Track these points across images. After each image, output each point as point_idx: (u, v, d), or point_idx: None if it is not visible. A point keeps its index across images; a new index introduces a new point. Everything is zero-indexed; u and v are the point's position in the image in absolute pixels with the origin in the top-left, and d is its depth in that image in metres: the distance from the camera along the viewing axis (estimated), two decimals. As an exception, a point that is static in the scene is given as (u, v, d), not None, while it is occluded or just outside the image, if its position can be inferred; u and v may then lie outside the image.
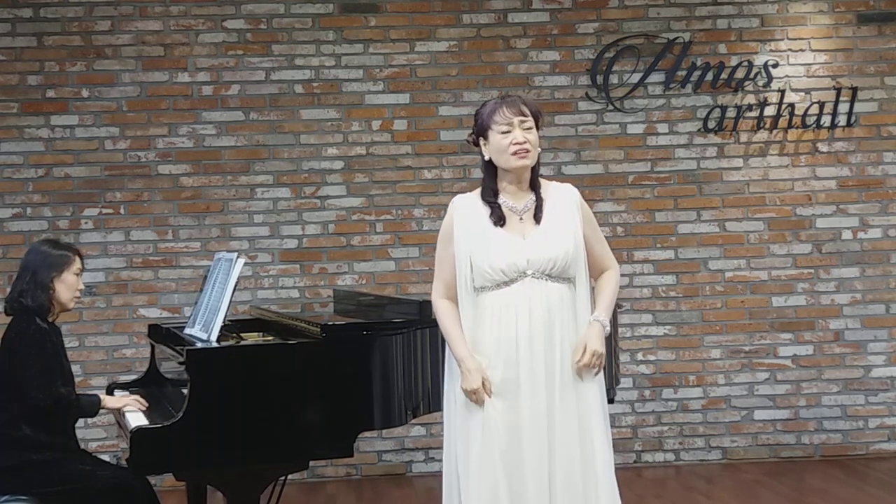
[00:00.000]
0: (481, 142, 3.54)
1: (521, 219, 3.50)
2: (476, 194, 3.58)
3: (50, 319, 4.20)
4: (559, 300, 3.44)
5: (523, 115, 3.48)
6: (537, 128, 3.52)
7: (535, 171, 3.54)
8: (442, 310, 3.55)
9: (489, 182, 3.55)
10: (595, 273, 3.58)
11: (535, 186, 3.54)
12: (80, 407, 4.17)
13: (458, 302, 3.51)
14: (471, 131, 3.61)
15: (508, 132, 3.46)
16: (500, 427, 3.38)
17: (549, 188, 3.57)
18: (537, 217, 3.50)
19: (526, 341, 3.40)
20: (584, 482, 3.38)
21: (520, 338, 3.41)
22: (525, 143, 3.45)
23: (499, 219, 3.48)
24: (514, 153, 3.45)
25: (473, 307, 3.47)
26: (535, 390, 3.39)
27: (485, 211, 3.52)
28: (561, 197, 3.55)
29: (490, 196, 3.53)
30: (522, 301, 3.42)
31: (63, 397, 4.08)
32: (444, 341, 3.63)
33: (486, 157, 3.53)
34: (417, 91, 6.66)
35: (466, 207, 3.56)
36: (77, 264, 4.26)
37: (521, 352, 3.40)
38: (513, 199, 3.52)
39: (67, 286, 4.21)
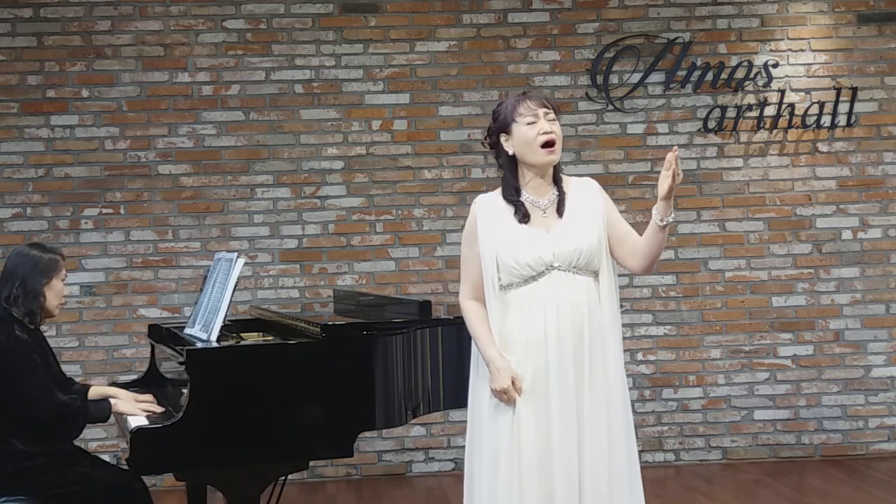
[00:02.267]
0: (502, 138, 3.51)
1: (544, 213, 3.48)
2: (497, 193, 3.55)
3: (31, 327, 4.09)
4: (587, 293, 3.42)
5: (546, 107, 3.48)
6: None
7: (556, 165, 3.53)
8: (469, 311, 3.53)
9: (511, 180, 3.51)
10: (629, 250, 3.49)
11: (557, 181, 3.53)
12: (88, 413, 4.07)
13: (485, 302, 3.49)
14: (486, 132, 3.57)
15: (534, 122, 3.45)
16: (529, 426, 3.36)
17: (569, 182, 3.56)
18: (560, 211, 3.48)
19: (555, 338, 3.38)
20: (610, 479, 3.37)
21: (548, 334, 3.38)
22: (552, 132, 3.45)
23: (523, 216, 3.46)
24: (544, 143, 3.43)
25: (501, 305, 3.45)
26: (564, 387, 3.37)
27: (508, 209, 3.49)
28: (582, 190, 3.54)
29: (512, 195, 3.50)
30: (550, 295, 3.39)
31: (66, 405, 4.01)
32: (445, 341, 3.62)
33: (511, 153, 3.49)
34: (417, 91, 6.66)
35: (489, 206, 3.53)
36: (64, 270, 4.18)
37: (551, 348, 3.38)
38: (535, 193, 3.50)
39: (56, 293, 4.13)
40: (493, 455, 3.40)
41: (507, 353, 3.41)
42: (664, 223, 3.39)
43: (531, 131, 3.44)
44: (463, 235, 3.61)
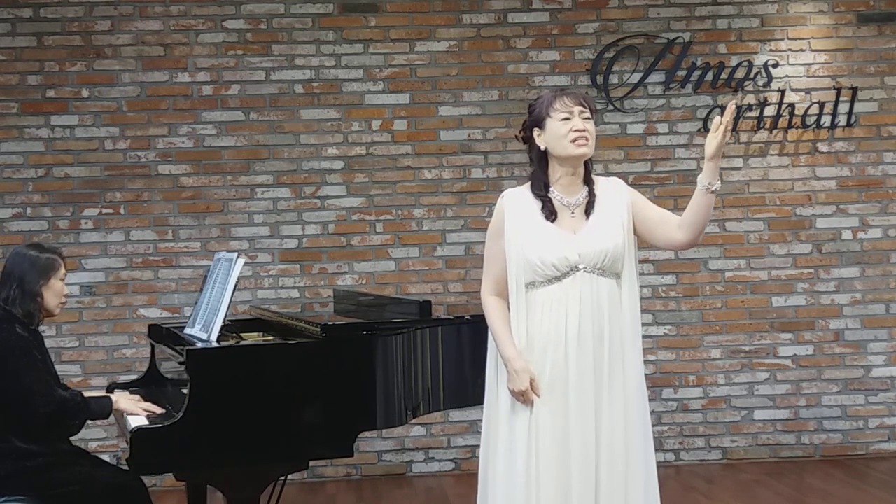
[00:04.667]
0: (535, 132, 3.48)
1: (572, 213, 3.47)
2: (526, 188, 3.53)
3: (32, 327, 4.08)
4: (608, 295, 3.42)
5: (583, 106, 3.45)
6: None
7: (588, 165, 3.51)
8: (490, 307, 3.51)
9: (540, 175, 3.49)
10: (672, 227, 3.48)
11: (588, 181, 3.50)
12: (89, 409, 4.06)
13: (507, 298, 3.47)
14: (521, 127, 3.55)
15: (568, 119, 3.42)
16: (546, 425, 3.36)
17: (598, 183, 3.53)
18: (588, 212, 3.47)
19: (575, 339, 3.37)
20: (627, 479, 3.37)
21: (569, 335, 3.38)
22: (585, 131, 3.42)
23: (550, 213, 3.44)
24: (574, 140, 3.40)
25: (524, 304, 3.43)
26: (582, 386, 3.37)
27: (535, 205, 3.47)
28: (609, 191, 3.52)
29: (540, 189, 3.47)
30: (573, 296, 3.38)
31: (67, 400, 4.00)
32: (445, 341, 3.61)
33: (542, 147, 3.47)
34: (417, 91, 6.66)
35: (517, 201, 3.50)
36: (63, 269, 4.15)
37: (570, 350, 3.37)
38: (565, 192, 3.47)
39: (55, 293, 4.11)
40: (510, 454, 3.40)
41: (527, 351, 3.40)
42: (713, 188, 3.35)
43: (564, 127, 3.41)
44: (488, 229, 3.58)
